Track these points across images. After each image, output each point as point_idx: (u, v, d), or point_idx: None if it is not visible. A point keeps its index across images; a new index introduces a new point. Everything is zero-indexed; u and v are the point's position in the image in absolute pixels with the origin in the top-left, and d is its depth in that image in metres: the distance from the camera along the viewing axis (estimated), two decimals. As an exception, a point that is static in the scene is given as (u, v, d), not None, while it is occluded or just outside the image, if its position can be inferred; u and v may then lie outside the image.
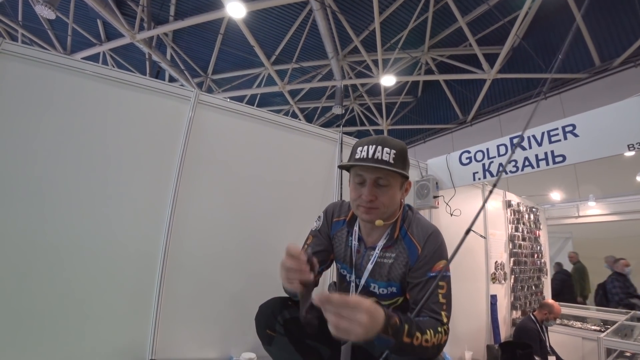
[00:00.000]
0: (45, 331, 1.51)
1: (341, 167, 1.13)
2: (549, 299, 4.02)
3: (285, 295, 1.12)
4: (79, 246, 1.63)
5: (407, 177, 1.07)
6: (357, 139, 2.74)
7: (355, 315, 0.73)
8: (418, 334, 0.85)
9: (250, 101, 9.28)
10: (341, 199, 2.33)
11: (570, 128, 2.12)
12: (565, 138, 2.13)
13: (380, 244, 1.11)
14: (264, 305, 1.18)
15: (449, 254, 1.09)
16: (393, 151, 1.01)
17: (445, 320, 0.96)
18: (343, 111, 7.87)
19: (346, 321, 0.72)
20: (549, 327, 3.20)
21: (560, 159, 2.13)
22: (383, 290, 1.11)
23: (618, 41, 5.76)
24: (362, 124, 10.84)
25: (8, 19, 7.25)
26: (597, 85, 6.03)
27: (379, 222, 1.04)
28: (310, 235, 1.27)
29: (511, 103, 7.39)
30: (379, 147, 1.01)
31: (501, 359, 2.79)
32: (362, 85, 9.08)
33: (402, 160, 1.04)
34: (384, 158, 1.00)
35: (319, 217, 1.29)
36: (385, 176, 1.02)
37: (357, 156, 1.04)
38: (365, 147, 1.03)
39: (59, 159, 1.67)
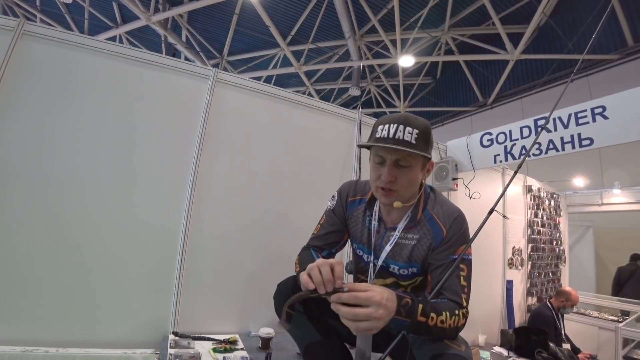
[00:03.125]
0: (71, 305, 1.59)
1: (361, 147, 1.09)
2: (566, 286, 3.96)
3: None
4: (102, 224, 1.69)
5: (429, 158, 1.03)
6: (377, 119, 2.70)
7: (372, 314, 0.75)
8: (433, 315, 0.85)
9: (266, 82, 9.18)
10: (359, 178, 2.31)
11: (600, 110, 2.02)
12: (594, 120, 2.04)
13: (401, 225, 1.09)
14: (282, 284, 1.18)
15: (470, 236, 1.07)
16: (416, 131, 0.96)
17: (464, 303, 0.95)
18: (360, 92, 7.73)
19: (365, 323, 0.76)
20: (565, 315, 3.16)
21: (587, 142, 2.04)
22: (403, 271, 1.10)
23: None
24: (379, 105, 10.65)
25: (26, 3, 7.34)
26: (629, 67, 5.69)
27: (397, 204, 1.01)
28: (324, 215, 1.26)
29: (535, 85, 7.09)
30: (401, 127, 0.96)
31: (515, 344, 2.79)
32: (380, 66, 8.86)
33: (425, 140, 0.99)
34: (405, 138, 0.95)
35: (333, 196, 1.26)
36: (406, 157, 0.97)
37: (377, 135, 0.99)
38: (387, 126, 0.98)
39: (83, 137, 1.71)
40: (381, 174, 1.00)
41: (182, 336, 1.68)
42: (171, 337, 1.66)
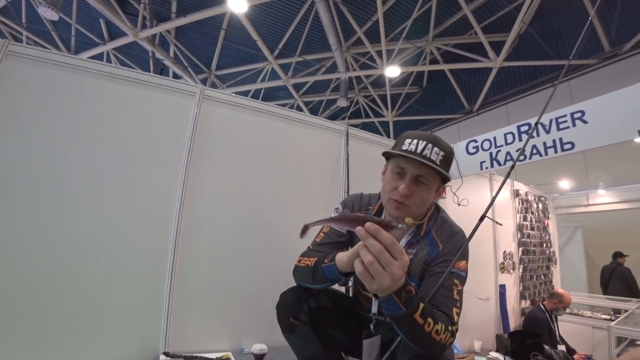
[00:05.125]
0: (60, 326, 1.54)
1: (385, 155, 1.09)
2: (558, 288, 4.00)
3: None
4: (90, 243, 1.66)
5: (445, 182, 1.05)
6: (364, 131, 2.73)
7: (393, 266, 0.69)
8: (430, 320, 0.82)
9: (255, 96, 9.29)
10: (348, 190, 2.33)
11: (579, 114, 2.09)
12: (574, 125, 2.10)
13: (404, 240, 1.09)
14: (287, 294, 1.15)
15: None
16: (442, 153, 0.99)
17: (455, 319, 0.93)
18: (348, 103, 7.84)
19: (379, 268, 0.68)
20: (558, 317, 3.19)
21: (569, 146, 2.10)
22: None
23: (628, 25, 5.61)
24: (367, 116, 10.79)
25: (12, 21, 7.31)
26: (606, 71, 5.90)
27: (409, 220, 0.98)
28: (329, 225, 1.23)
29: (518, 91, 7.28)
30: (429, 145, 0.98)
31: (510, 348, 2.79)
32: (367, 76, 9.01)
33: (447, 164, 1.02)
34: (432, 157, 0.98)
35: (337, 208, 1.26)
36: (427, 175, 0.99)
37: (404, 147, 1.01)
38: (415, 141, 1.00)
39: (69, 157, 1.69)
40: (398, 187, 1.00)
41: (173, 356, 1.65)
42: (162, 357, 1.63)
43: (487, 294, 3.22)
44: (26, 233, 1.55)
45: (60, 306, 1.56)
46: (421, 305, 0.80)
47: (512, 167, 1.65)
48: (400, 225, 0.74)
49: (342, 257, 0.90)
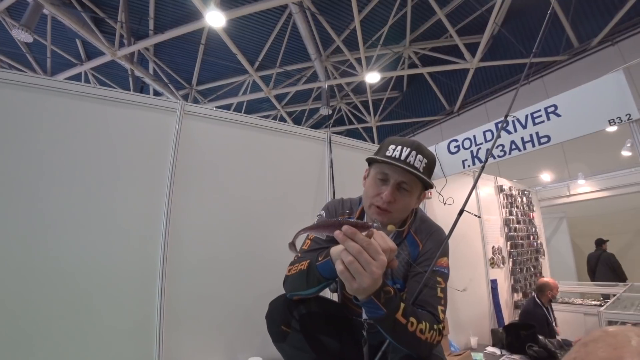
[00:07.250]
0: (48, 351, 1.49)
1: (369, 160, 1.11)
2: (542, 278, 4.09)
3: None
4: (76, 263, 1.62)
5: (427, 188, 1.07)
6: (347, 137, 2.76)
7: (372, 266, 0.71)
8: (413, 320, 0.83)
9: (237, 109, 9.28)
10: (334, 197, 2.34)
11: (552, 108, 2.16)
12: (549, 119, 2.17)
13: None
14: (276, 302, 1.14)
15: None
16: (425, 160, 1.01)
17: (441, 317, 0.94)
18: (330, 112, 7.91)
19: (359, 267, 0.71)
20: (554, 307, 3.28)
21: (545, 139, 2.17)
22: None
23: (594, 21, 5.88)
24: (351, 122, 10.90)
25: (-15, 46, 7.17)
26: (577, 66, 6.15)
27: (391, 227, 1.02)
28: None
29: (496, 90, 7.50)
30: (413, 152, 1.00)
31: (506, 341, 2.83)
32: (348, 84, 9.12)
33: (429, 171, 1.04)
34: (416, 164, 0.99)
35: (320, 214, 1.25)
36: (410, 182, 1.00)
37: (388, 153, 1.02)
38: (399, 148, 1.01)
39: (51, 180, 1.66)
40: (381, 192, 1.01)
41: (168, 377, 1.61)
42: (156, 379, 1.59)
43: (479, 291, 3.26)
44: (11, 255, 1.50)
45: (49, 333, 1.51)
46: (402, 305, 0.81)
47: (484, 163, 1.68)
48: (375, 225, 0.76)
49: (336, 250, 0.90)
